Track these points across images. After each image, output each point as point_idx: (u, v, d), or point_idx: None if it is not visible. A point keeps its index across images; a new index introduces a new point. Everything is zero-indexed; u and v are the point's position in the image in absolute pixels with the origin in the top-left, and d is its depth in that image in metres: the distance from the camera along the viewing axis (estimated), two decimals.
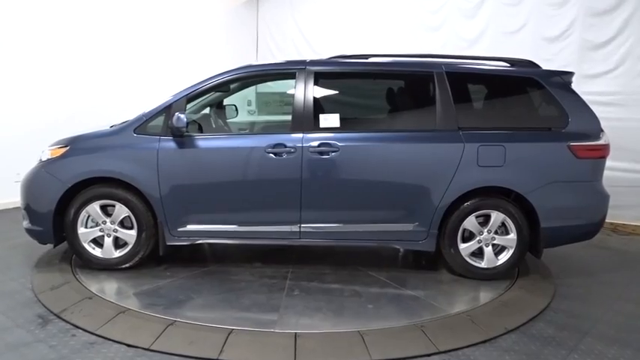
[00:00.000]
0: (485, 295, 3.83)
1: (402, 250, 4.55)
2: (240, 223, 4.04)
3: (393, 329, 3.23)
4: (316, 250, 4.62)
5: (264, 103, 7.92)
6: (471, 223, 4.01)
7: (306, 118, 3.98)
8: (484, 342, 3.16)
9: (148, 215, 3.99)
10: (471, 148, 3.92)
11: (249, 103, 7.88)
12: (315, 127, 3.97)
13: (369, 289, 3.86)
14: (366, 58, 4.32)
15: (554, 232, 4.00)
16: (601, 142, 4.00)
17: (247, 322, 3.25)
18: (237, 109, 5.12)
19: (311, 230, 4.03)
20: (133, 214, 3.99)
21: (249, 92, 7.65)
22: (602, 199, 4.07)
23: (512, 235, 4.01)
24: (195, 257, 4.55)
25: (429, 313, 3.45)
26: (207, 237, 4.09)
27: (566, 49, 6.02)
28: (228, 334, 3.09)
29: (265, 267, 4.25)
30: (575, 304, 3.78)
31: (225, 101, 4.86)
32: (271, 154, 3.93)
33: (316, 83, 4.06)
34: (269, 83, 6.83)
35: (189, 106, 4.13)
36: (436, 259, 4.27)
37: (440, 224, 4.01)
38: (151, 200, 3.95)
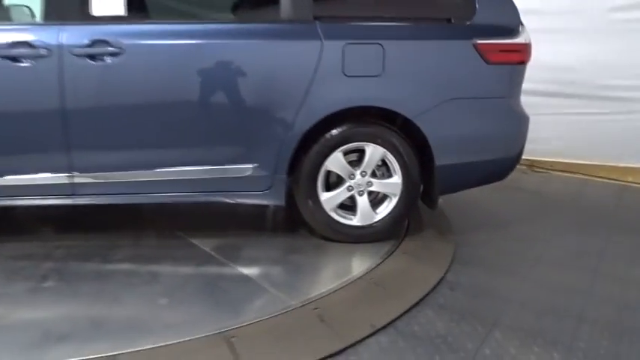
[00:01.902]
0: (353, 268, 2.59)
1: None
2: None
3: (181, 346, 1.89)
4: (119, 211, 3.14)
5: None
6: (336, 162, 2.70)
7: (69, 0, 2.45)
8: (335, 355, 1.91)
9: None
10: (332, 48, 2.55)
11: None
12: (84, 14, 2.44)
13: (179, 268, 2.50)
14: None
15: (454, 173, 2.79)
16: (520, 40, 2.75)
17: None
18: None
19: (90, 181, 2.57)
20: None
21: None
22: (521, 123, 2.88)
23: (397, 179, 2.76)
24: None
25: (256, 309, 2.15)
26: None
27: None
28: None
29: (24, 241, 2.74)
30: (481, 273, 2.64)
31: None
32: (7, 59, 2.38)
33: None
34: None
35: None
36: (294, 217, 2.94)
37: (291, 165, 2.68)
38: None
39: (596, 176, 4.53)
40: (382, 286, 2.38)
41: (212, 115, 2.58)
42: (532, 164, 4.73)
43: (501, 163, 2.90)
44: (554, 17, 4.43)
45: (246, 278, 2.40)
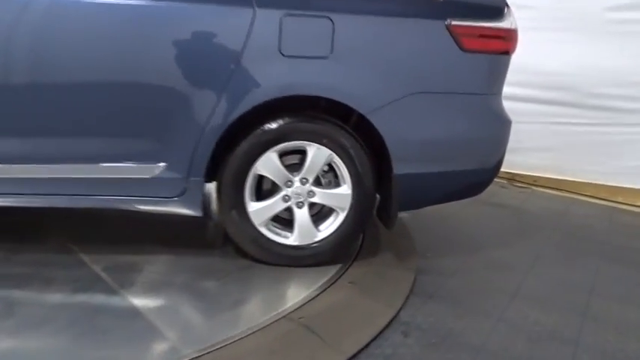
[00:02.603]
0: (281, 302, 2.01)
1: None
2: None
3: None
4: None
5: None
6: (269, 164, 2.14)
7: None
8: None
9: None
10: (267, 18, 1.99)
11: None
12: None
13: (48, 295, 1.90)
14: None
15: (417, 184, 2.24)
16: (505, 24, 2.22)
17: None
18: None
19: None
20: None
21: None
22: (501, 127, 2.34)
23: (346, 188, 2.20)
24: None
25: None
26: None
27: None
28: None
29: None
30: (445, 312, 2.09)
31: None
32: None
33: None
34: None
35: None
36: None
37: (210, 166, 2.10)
38: None
39: (582, 194, 4.03)
40: (312, 330, 1.81)
41: (107, 98, 1.99)
42: (512, 178, 4.22)
43: (476, 175, 2.36)
44: (542, 13, 3.92)
45: (134, 313, 1.81)
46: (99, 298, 1.89)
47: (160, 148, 2.06)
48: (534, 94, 4.08)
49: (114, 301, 1.88)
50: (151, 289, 1.97)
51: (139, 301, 1.87)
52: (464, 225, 3.12)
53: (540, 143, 4.16)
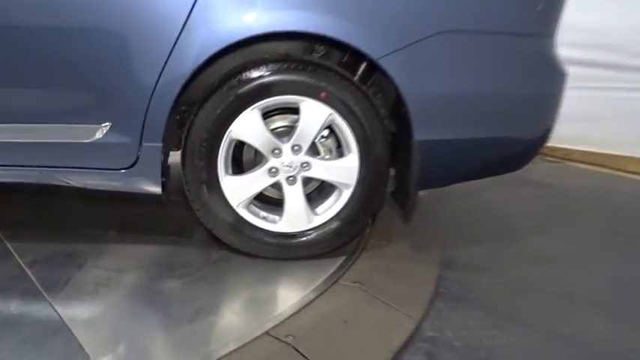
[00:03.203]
0: (263, 311, 1.49)
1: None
2: None
3: None
4: None
5: None
6: (251, 127, 1.61)
7: None
8: None
9: None
10: None
11: None
12: None
13: None
14: None
15: (444, 154, 1.71)
16: None
17: None
18: None
19: None
20: None
21: None
22: (554, 81, 1.79)
23: (351, 159, 1.67)
24: None
25: None
26: None
27: None
28: None
29: None
30: (481, 323, 1.57)
31: None
32: None
33: None
34: None
35: None
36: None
37: (169, 127, 1.58)
38: None
39: (624, 171, 3.48)
40: (303, 354, 1.30)
41: (30, 43, 1.46)
42: (542, 151, 3.66)
43: (519, 144, 1.82)
44: None
45: (54, 326, 1.30)
46: (13, 304, 1.38)
47: (100, 103, 1.53)
48: (569, 54, 3.49)
49: (31, 307, 1.37)
50: (86, 293, 1.46)
51: (65, 310, 1.37)
52: (492, 207, 2.59)
53: (575, 111, 3.53)
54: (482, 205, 2.59)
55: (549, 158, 3.63)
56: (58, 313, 1.35)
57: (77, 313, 1.37)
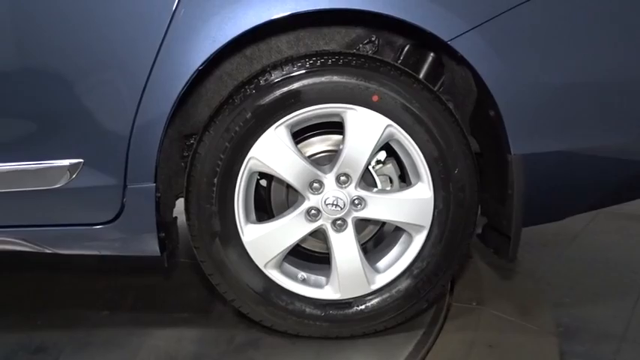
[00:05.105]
0: None
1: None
2: None
3: None
4: None
5: None
6: (276, 152, 1.13)
7: None
8: None
9: None
10: None
11: None
12: None
13: None
14: None
15: (557, 173, 1.16)
16: None
17: None
18: None
19: None
20: None
21: None
22: None
23: (421, 189, 1.15)
24: None
25: None
26: None
27: None
28: None
29: None
30: None
31: None
32: None
33: None
34: None
35: None
36: None
37: (169, 163, 1.13)
38: None
39: None
40: None
41: None
42: None
43: None
44: None
45: None
46: None
47: (70, 132, 1.10)
48: None
49: None
50: None
51: None
52: (607, 252, 1.96)
53: None
54: (588, 247, 1.98)
55: None
56: None
57: None
